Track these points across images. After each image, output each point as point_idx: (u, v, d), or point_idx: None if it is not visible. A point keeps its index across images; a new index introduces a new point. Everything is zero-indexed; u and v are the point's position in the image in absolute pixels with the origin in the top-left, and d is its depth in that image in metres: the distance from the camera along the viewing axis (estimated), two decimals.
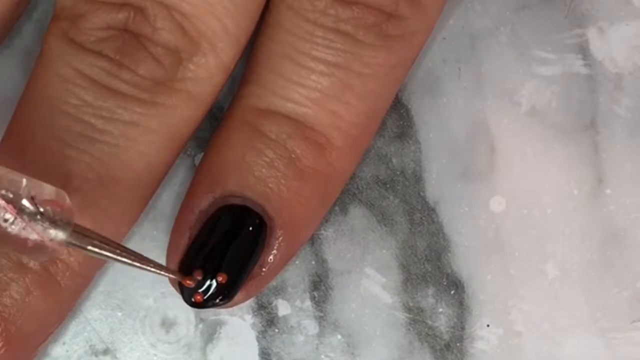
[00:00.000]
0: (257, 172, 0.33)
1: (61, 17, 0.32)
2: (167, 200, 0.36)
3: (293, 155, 0.33)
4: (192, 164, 0.36)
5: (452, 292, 0.37)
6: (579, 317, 0.37)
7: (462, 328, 0.36)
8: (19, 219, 0.28)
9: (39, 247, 0.29)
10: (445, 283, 0.37)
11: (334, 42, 0.33)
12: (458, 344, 0.36)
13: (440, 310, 0.37)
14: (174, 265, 0.33)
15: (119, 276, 0.36)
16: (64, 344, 0.36)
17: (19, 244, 0.29)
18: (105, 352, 0.36)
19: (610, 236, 0.37)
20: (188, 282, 0.33)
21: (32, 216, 0.29)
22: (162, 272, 0.32)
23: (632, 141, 0.37)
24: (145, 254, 0.31)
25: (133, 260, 0.31)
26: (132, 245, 0.35)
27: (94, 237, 0.30)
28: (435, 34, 0.37)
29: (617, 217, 0.37)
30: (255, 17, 0.33)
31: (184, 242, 0.33)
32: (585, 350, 0.36)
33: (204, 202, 0.33)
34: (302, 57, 0.33)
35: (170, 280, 0.34)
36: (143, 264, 0.31)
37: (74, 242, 0.29)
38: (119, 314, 0.36)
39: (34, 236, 0.29)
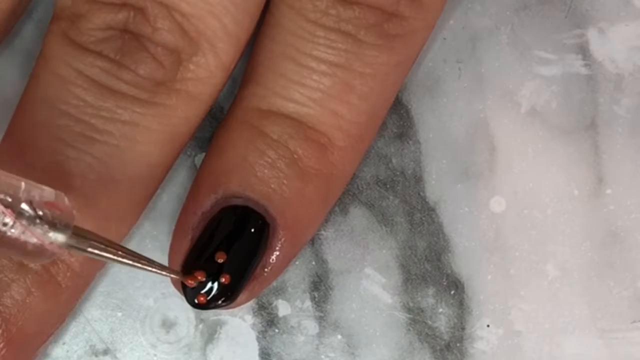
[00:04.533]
0: (259, 172, 0.33)
1: (61, 17, 0.32)
2: (168, 201, 0.36)
3: (295, 156, 0.33)
4: (192, 164, 0.36)
5: (452, 292, 0.37)
6: (579, 317, 0.37)
7: (462, 328, 0.37)
8: (17, 223, 0.28)
9: (38, 250, 0.29)
10: (445, 283, 0.37)
11: (335, 42, 0.33)
12: (458, 344, 0.36)
13: (440, 310, 0.37)
14: (177, 267, 0.33)
15: (119, 276, 0.36)
16: (64, 344, 0.36)
17: (19, 247, 0.28)
18: (105, 352, 0.36)
19: (610, 236, 0.37)
20: (190, 281, 0.33)
21: (31, 220, 0.28)
22: (164, 273, 0.32)
23: (632, 141, 0.37)
24: (146, 255, 0.31)
25: (134, 262, 0.31)
26: (133, 246, 0.35)
27: (94, 239, 0.30)
28: (435, 34, 0.37)
29: (617, 217, 0.37)
30: (255, 16, 0.33)
31: (186, 244, 0.33)
32: (585, 350, 0.37)
33: (206, 203, 0.33)
34: (303, 57, 0.33)
35: (173, 280, 0.34)
36: (144, 264, 0.31)
37: (73, 244, 0.29)
38: (119, 314, 0.36)
39: (33, 240, 0.28)
